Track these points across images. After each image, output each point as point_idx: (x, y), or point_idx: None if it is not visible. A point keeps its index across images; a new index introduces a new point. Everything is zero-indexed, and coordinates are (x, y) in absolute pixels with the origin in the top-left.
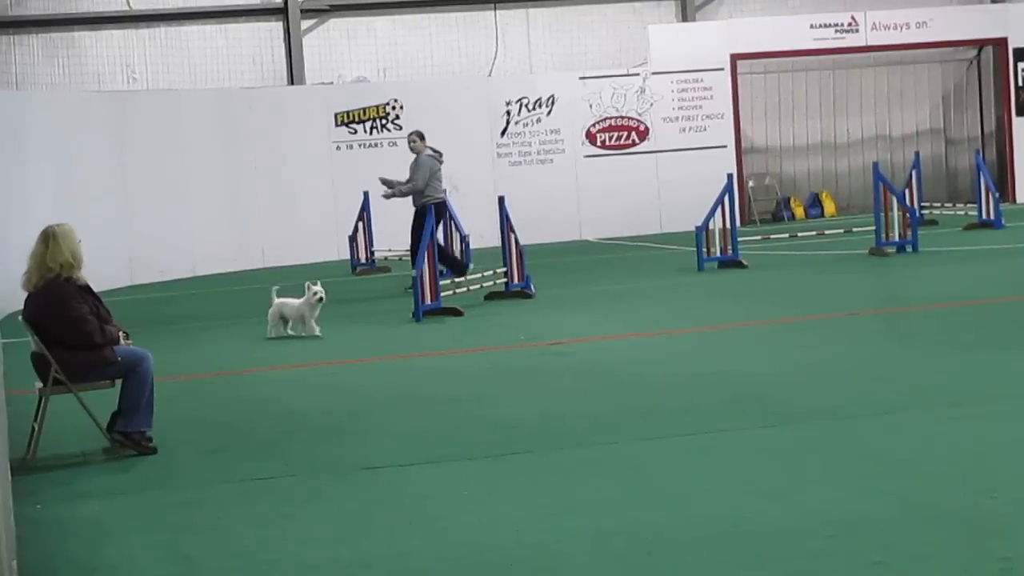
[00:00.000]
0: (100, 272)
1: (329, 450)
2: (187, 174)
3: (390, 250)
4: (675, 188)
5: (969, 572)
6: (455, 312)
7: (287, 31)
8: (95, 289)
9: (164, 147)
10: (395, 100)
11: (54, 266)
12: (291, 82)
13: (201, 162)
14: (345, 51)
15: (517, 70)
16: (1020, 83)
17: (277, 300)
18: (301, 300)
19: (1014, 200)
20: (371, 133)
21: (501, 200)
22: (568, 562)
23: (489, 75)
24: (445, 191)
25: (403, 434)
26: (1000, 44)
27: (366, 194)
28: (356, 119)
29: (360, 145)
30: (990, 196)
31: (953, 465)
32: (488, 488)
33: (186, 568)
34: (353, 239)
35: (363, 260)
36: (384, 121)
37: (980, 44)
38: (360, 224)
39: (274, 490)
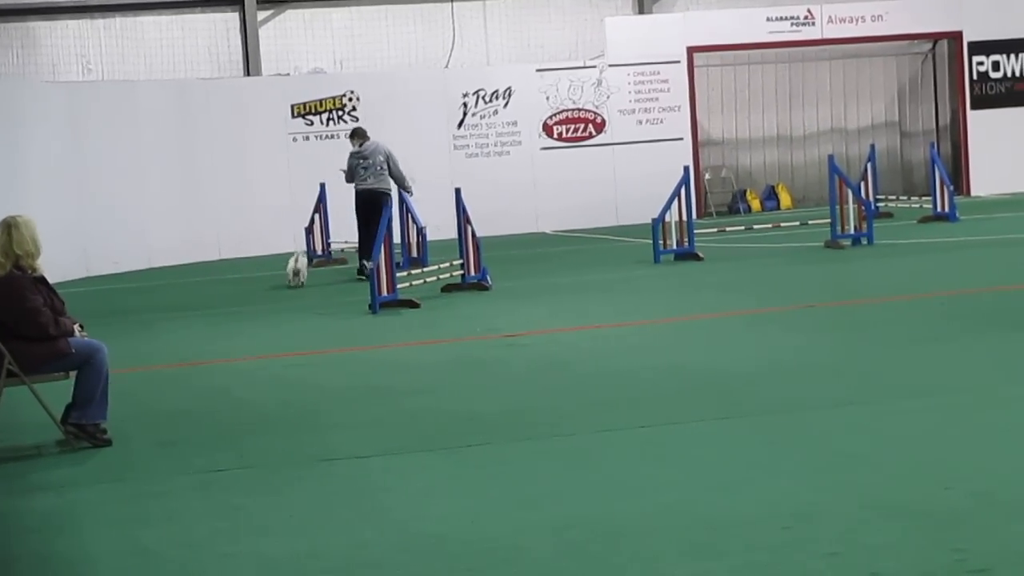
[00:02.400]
0: (54, 263)
1: (286, 442)
2: (143, 165)
3: (347, 242)
4: (632, 180)
5: (924, 563)
6: (412, 304)
7: (243, 22)
8: (49, 280)
9: (119, 138)
10: (352, 92)
11: (21, 253)
12: (247, 73)
13: (157, 153)
14: (302, 42)
15: (474, 62)
16: (975, 77)
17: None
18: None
19: (969, 193)
20: (328, 125)
21: (458, 192)
22: (526, 554)
23: (446, 67)
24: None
25: (360, 426)
26: (955, 38)
27: (323, 186)
28: (313, 111)
29: (317, 137)
30: (945, 189)
31: (908, 457)
32: (445, 480)
33: (142, 560)
34: (310, 231)
35: (320, 252)
36: (341, 113)
37: (935, 38)
38: (317, 216)
39: (230, 482)
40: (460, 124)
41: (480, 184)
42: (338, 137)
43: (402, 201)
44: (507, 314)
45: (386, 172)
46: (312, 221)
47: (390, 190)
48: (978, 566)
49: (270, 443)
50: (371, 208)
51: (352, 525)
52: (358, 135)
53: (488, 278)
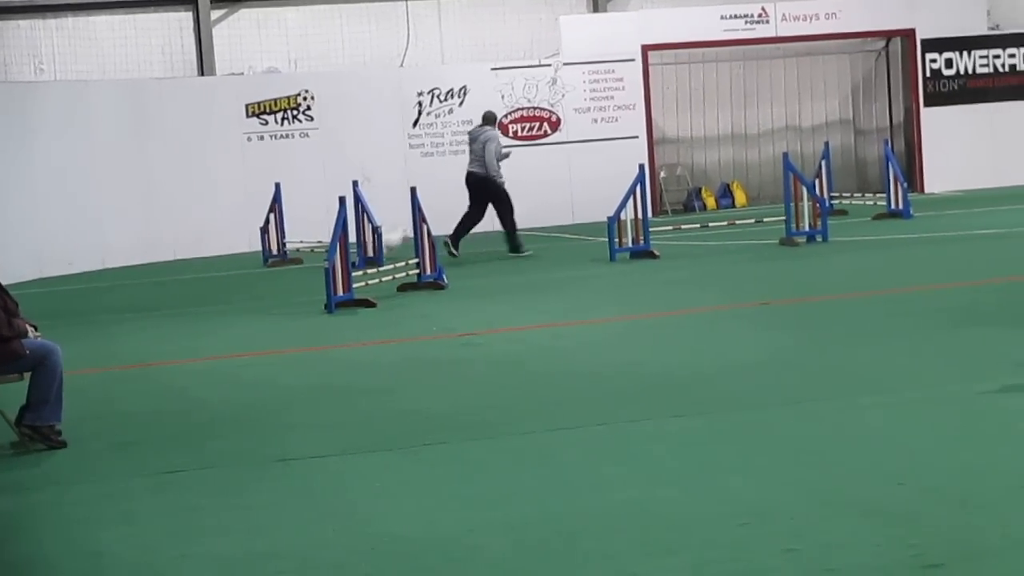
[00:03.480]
0: (7, 264)
1: (242, 442)
2: (96, 166)
3: (302, 242)
4: (587, 179)
5: (879, 559)
6: (368, 303)
7: (197, 21)
8: (2, 281)
9: (73, 138)
10: (306, 91)
11: None
12: (201, 73)
13: (110, 153)
14: (256, 42)
15: (429, 61)
16: (928, 74)
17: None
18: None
19: (922, 190)
20: (282, 124)
21: (413, 191)
22: (482, 553)
23: (401, 66)
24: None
25: (316, 426)
26: (908, 35)
27: (277, 185)
28: (267, 110)
29: (271, 136)
30: (899, 186)
31: (863, 453)
32: (402, 479)
33: (98, 563)
34: (265, 231)
35: (275, 252)
36: (295, 112)
37: (889, 35)
38: (272, 216)
39: (188, 483)
40: (415, 123)
41: (435, 183)
42: (292, 136)
43: (356, 199)
44: (463, 313)
45: (483, 158)
46: (267, 221)
47: (490, 175)
48: (932, 561)
49: (227, 444)
50: (471, 191)
51: (310, 525)
52: (483, 118)
53: (444, 277)
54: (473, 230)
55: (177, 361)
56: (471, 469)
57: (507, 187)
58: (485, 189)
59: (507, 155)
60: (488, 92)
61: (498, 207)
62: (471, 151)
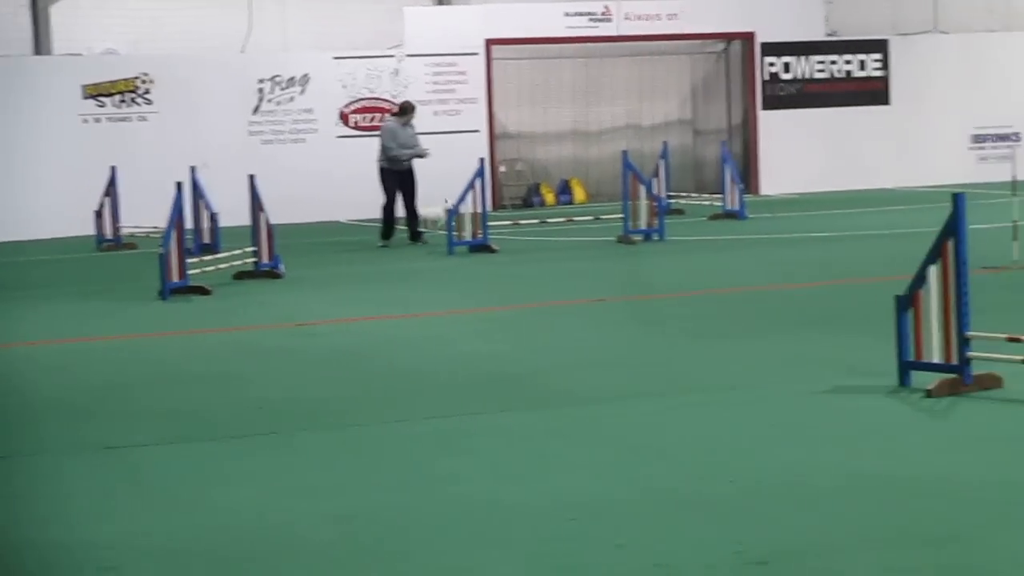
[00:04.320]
0: None
1: (68, 429)
2: None
3: (137, 227)
4: (427, 171)
5: (706, 555)
6: (202, 291)
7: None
8: None
9: None
10: (145, 74)
11: None
12: (37, 52)
13: None
14: (95, 22)
15: (271, 47)
16: (766, 77)
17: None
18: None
19: (758, 192)
20: (120, 107)
21: (251, 178)
22: (310, 544)
23: (242, 51)
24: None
25: (146, 414)
26: (748, 38)
27: (113, 169)
28: (105, 92)
29: (109, 119)
30: (735, 187)
31: (693, 450)
32: (231, 469)
33: None
34: (99, 214)
35: (109, 236)
36: (134, 95)
37: (728, 37)
38: (107, 199)
39: (8, 470)
40: (256, 110)
41: (275, 171)
42: (131, 120)
43: (194, 185)
44: (300, 303)
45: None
46: (102, 204)
47: (381, 163)
48: (758, 558)
49: (51, 431)
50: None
51: (135, 514)
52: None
53: (281, 266)
54: (310, 219)
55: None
56: (303, 460)
57: (346, 177)
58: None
59: (418, 151)
60: (330, 81)
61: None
62: None
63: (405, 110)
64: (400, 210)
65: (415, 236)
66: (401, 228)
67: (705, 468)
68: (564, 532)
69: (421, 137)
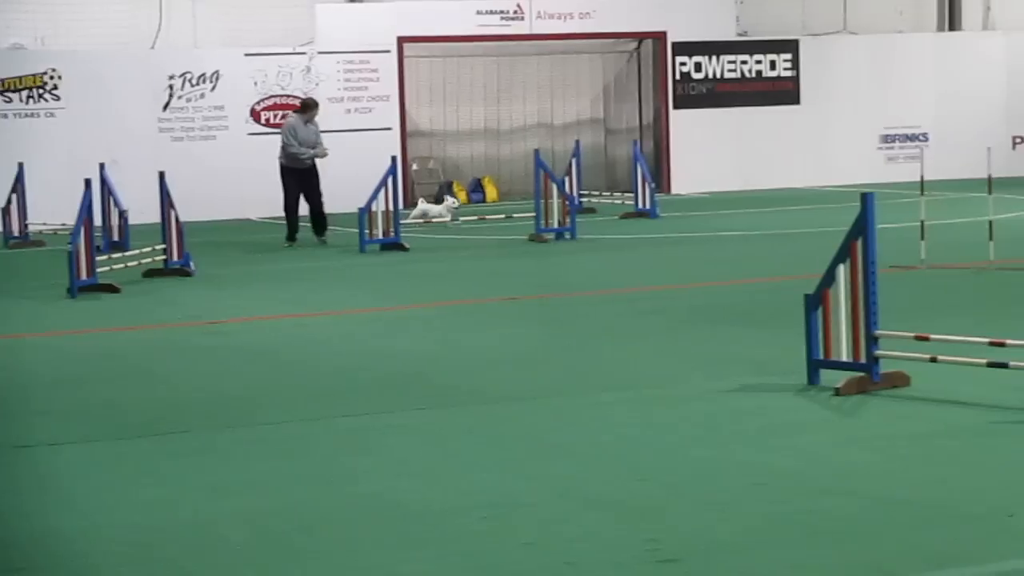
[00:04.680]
0: None
1: None
2: None
3: (45, 224)
4: (339, 169)
5: (617, 553)
6: (112, 288)
7: None
8: None
9: None
10: (53, 70)
11: None
12: None
13: None
14: (1, 16)
15: (181, 44)
16: (678, 77)
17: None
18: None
19: (669, 191)
20: (27, 103)
21: (161, 176)
22: (224, 542)
23: (152, 48)
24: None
25: (56, 413)
26: (660, 38)
27: (21, 165)
28: (12, 88)
29: (16, 115)
30: (646, 186)
31: (605, 449)
32: (143, 468)
33: None
34: (6, 211)
35: (16, 233)
36: (41, 91)
37: (641, 37)
38: (14, 196)
39: None
40: (166, 107)
41: (185, 168)
42: (39, 116)
43: (103, 182)
44: (211, 301)
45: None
46: (9, 201)
47: (283, 161)
48: (668, 556)
49: None
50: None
51: (41, 513)
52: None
53: (192, 264)
54: (221, 216)
55: None
56: (213, 458)
57: (257, 175)
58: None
59: (319, 151)
60: (241, 78)
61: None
62: None
63: (307, 107)
64: (303, 208)
65: (318, 233)
66: (305, 224)
67: (616, 466)
68: (475, 530)
69: (333, 135)
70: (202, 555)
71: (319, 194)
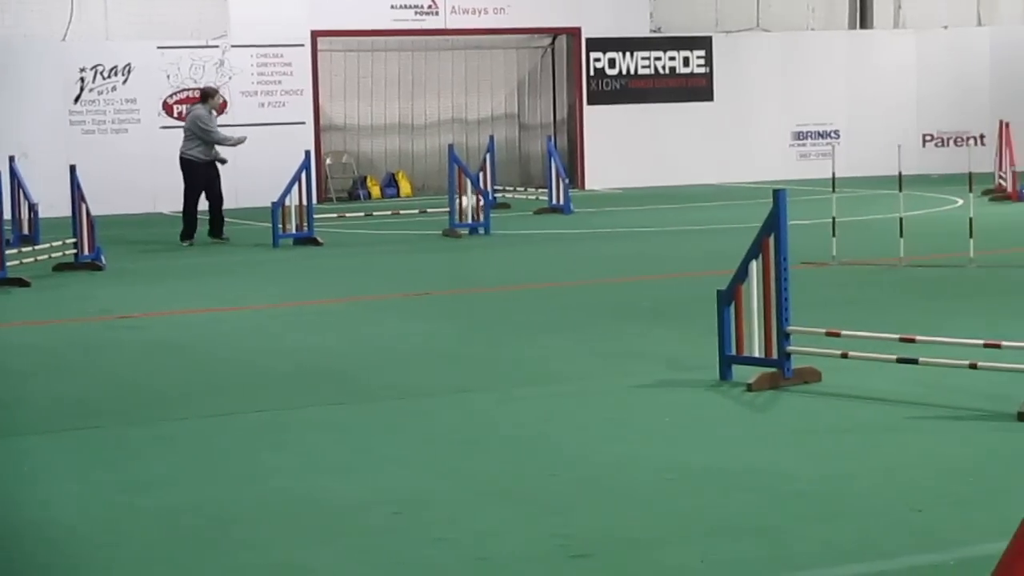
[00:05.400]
0: None
1: None
2: None
3: None
4: (252, 163)
5: (529, 548)
6: (22, 283)
7: None
8: None
9: None
10: None
11: None
12: None
13: None
14: None
15: (93, 36)
16: (592, 73)
17: None
18: None
19: (583, 187)
20: None
21: (72, 169)
22: (134, 539)
23: (64, 40)
24: None
25: None
26: (574, 33)
27: None
28: None
29: None
30: (560, 182)
31: (516, 444)
32: (51, 464)
33: None
34: None
35: None
36: None
37: (555, 33)
38: None
39: None
40: (77, 99)
41: (97, 161)
42: None
43: (13, 175)
44: (122, 295)
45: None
46: None
47: (190, 156)
48: (580, 551)
49: None
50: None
51: None
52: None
53: (103, 258)
54: (133, 210)
55: None
56: (124, 455)
57: (169, 168)
58: (184, 170)
59: (239, 138)
60: (153, 71)
61: (185, 188)
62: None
63: (209, 95)
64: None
65: (218, 233)
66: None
67: (527, 462)
68: (387, 526)
69: (246, 129)
70: (113, 552)
71: (221, 190)
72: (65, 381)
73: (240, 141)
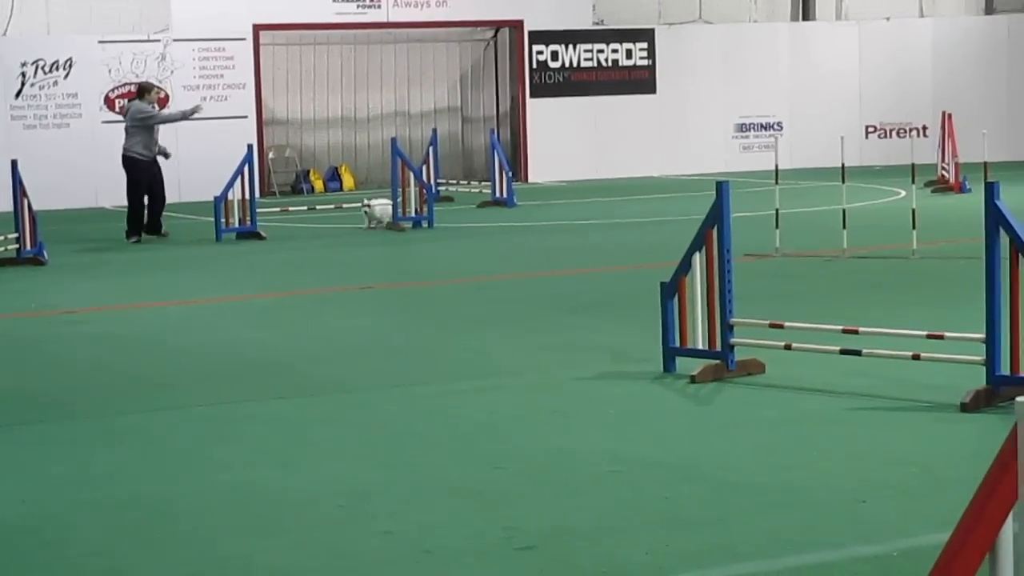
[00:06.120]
0: None
1: None
2: None
3: None
4: (195, 157)
5: (474, 541)
6: None
7: None
8: None
9: None
10: None
11: None
12: None
13: None
14: None
15: (34, 30)
16: (535, 65)
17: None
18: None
19: (527, 180)
20: None
21: (14, 164)
22: (78, 534)
23: (4, 34)
24: None
25: None
26: (516, 26)
27: None
28: None
29: None
30: (504, 175)
31: (462, 437)
32: None
33: None
34: None
35: None
36: None
37: (498, 25)
38: None
39: None
40: (18, 94)
41: (38, 156)
42: None
43: None
44: (65, 290)
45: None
46: None
47: (133, 153)
48: (526, 543)
49: None
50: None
51: None
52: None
53: (45, 253)
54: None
55: None
56: (68, 449)
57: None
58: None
59: (191, 109)
60: (95, 65)
61: (128, 186)
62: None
63: (147, 90)
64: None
65: (156, 229)
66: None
67: (472, 454)
68: (332, 518)
69: (188, 123)
70: (57, 548)
71: (164, 192)
72: (8, 376)
73: (193, 111)
